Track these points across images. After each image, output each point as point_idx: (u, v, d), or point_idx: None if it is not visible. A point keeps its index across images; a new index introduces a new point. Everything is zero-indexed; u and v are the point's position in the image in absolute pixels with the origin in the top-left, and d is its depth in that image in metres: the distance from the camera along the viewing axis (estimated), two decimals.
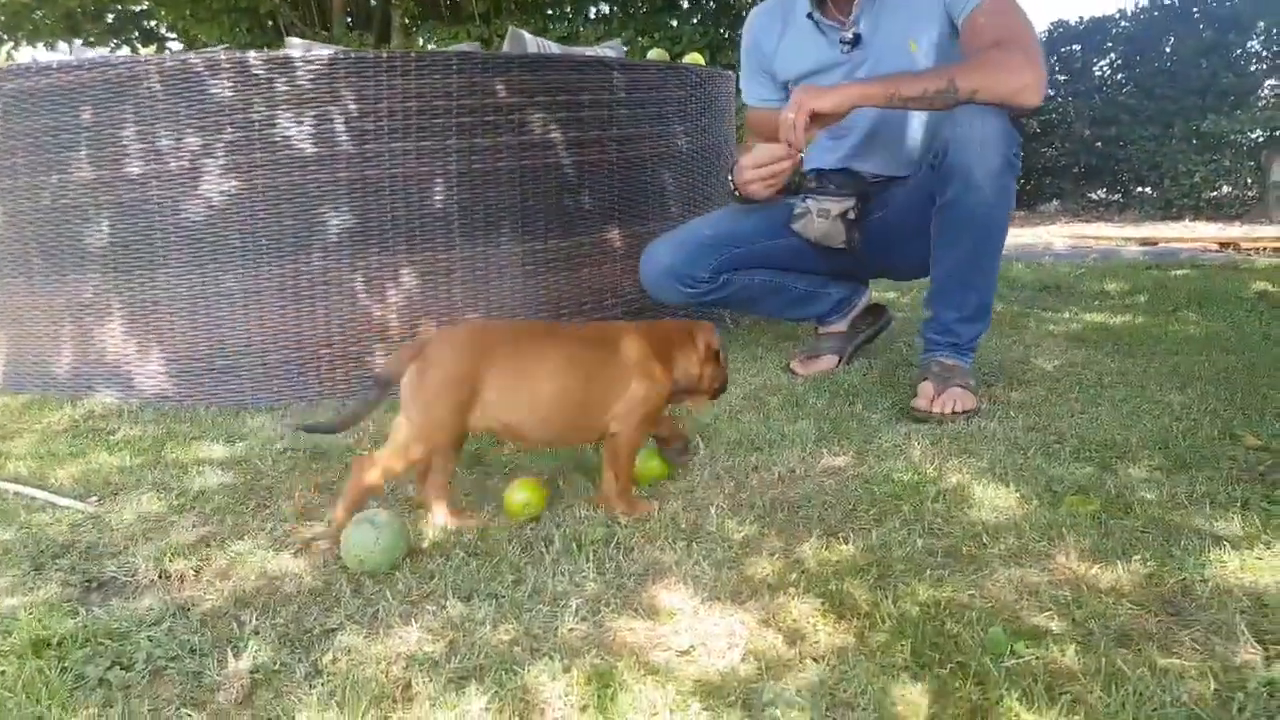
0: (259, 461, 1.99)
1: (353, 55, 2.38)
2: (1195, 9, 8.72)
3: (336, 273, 2.44)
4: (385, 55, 2.39)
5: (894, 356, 2.69)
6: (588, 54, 2.84)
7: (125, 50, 10.58)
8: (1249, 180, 8.23)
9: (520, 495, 1.63)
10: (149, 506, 1.74)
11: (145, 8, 10.03)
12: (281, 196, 2.39)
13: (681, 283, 2.36)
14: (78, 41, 9.67)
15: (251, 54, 2.33)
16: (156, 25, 10.63)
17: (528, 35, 3.08)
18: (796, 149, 2.05)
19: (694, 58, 3.15)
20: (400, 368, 1.53)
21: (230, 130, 2.35)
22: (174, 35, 10.90)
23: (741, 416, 2.14)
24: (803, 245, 2.33)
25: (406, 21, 10.33)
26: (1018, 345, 2.71)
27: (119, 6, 9.90)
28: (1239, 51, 8.40)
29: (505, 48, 3.18)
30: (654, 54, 3.07)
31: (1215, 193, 8.42)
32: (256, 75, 2.32)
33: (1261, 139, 8.21)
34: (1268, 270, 3.96)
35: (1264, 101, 8.23)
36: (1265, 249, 4.88)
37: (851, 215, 2.24)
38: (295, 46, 3.02)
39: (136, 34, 10.36)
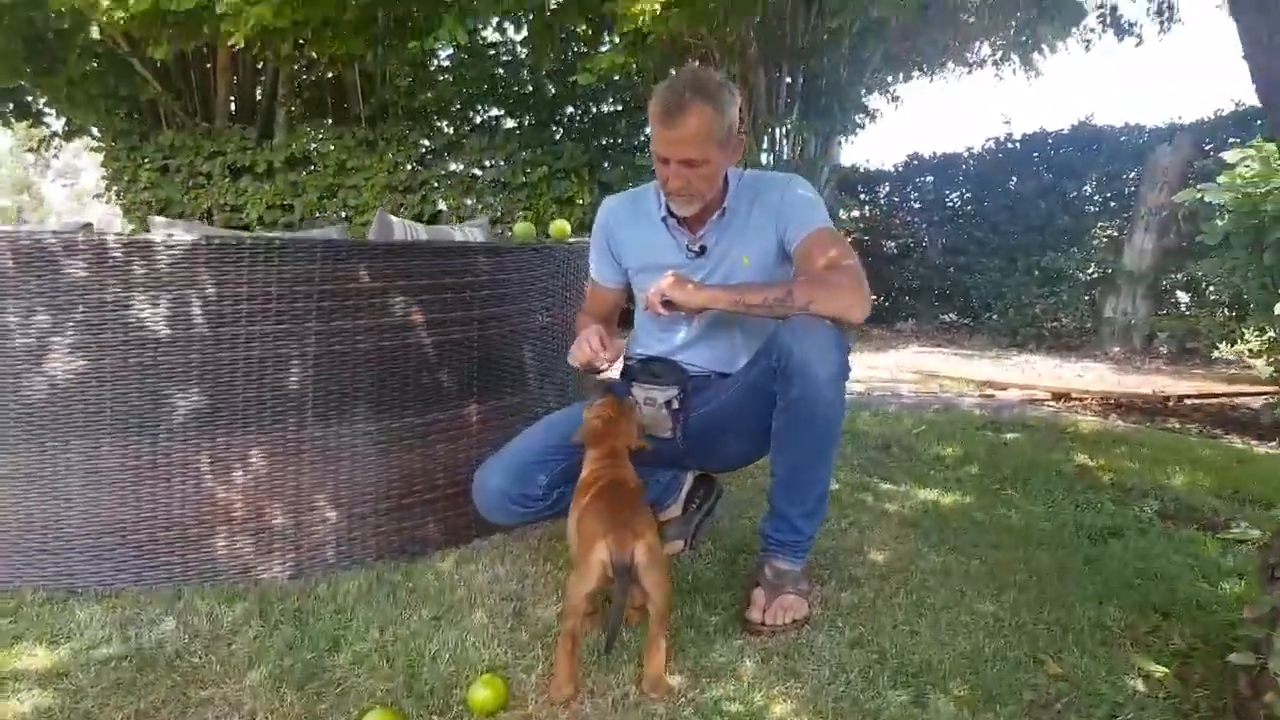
0: (81, 674, 1.93)
1: (215, 241, 2.39)
2: (1035, 153, 9.50)
3: (181, 454, 2.40)
4: (249, 241, 2.42)
5: (737, 537, 2.79)
6: (455, 237, 2.93)
7: None
8: (1084, 314, 8.89)
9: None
10: None
11: (23, 84, 9.66)
12: (130, 376, 2.36)
13: (517, 503, 2.37)
14: None
15: (110, 237, 2.32)
16: (33, 101, 10.26)
17: (395, 220, 3.16)
18: (654, 309, 2.26)
19: (559, 227, 3.27)
20: (627, 551, 1.82)
21: (82, 310, 2.32)
22: (51, 112, 10.53)
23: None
24: None
25: (291, 111, 10.27)
26: (854, 529, 2.86)
27: None
28: (1074, 194, 9.14)
29: (373, 231, 3.24)
30: (520, 229, 3.18)
31: (1055, 323, 9.06)
32: (114, 257, 2.31)
33: (1095, 276, 8.91)
34: (1090, 437, 4.27)
35: (1097, 242, 8.95)
36: (1091, 403, 5.28)
37: (675, 405, 2.37)
38: (158, 227, 3.00)
39: (12, 107, 9.97)
